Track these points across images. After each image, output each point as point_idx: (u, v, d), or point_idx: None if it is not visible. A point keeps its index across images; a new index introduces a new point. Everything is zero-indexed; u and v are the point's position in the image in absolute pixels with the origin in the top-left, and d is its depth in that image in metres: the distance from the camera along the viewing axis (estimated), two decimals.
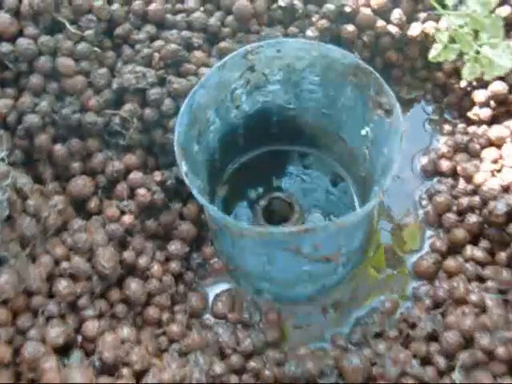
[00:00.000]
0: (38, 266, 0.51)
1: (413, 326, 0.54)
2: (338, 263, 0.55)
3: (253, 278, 0.58)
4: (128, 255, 0.54)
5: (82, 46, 0.56)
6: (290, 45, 0.54)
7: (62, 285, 0.51)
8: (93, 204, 0.57)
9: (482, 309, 0.52)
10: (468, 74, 0.51)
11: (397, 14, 0.63)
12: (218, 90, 0.54)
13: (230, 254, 0.57)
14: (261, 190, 0.63)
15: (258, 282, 0.57)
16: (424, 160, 0.63)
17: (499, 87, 0.59)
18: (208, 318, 0.57)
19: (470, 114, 0.63)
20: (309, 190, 0.63)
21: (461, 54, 0.54)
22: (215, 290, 0.59)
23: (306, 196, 0.62)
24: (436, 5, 0.54)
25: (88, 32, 0.56)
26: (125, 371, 0.49)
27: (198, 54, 0.59)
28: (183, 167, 0.48)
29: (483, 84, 0.61)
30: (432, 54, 0.52)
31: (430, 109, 0.67)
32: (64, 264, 0.52)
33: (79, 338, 0.51)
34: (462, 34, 0.49)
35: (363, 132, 0.55)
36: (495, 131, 0.59)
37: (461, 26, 0.50)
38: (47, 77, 0.56)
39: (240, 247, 0.54)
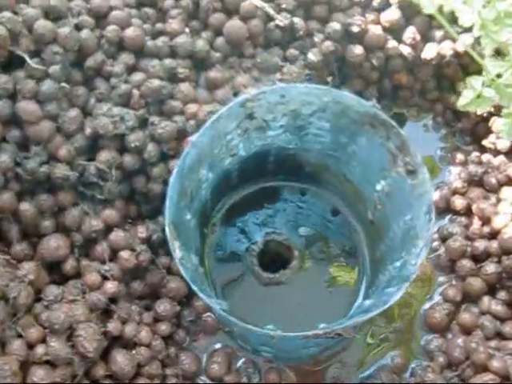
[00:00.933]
0: (8, 353, 0.44)
1: None
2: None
3: (251, 343, 0.52)
4: (113, 327, 0.48)
5: (48, 86, 0.47)
6: (296, 90, 0.46)
7: (39, 375, 0.44)
8: (69, 266, 0.49)
9: (505, 378, 0.48)
10: (507, 134, 0.44)
11: (410, 32, 0.55)
12: (211, 144, 0.47)
13: (226, 321, 0.51)
14: (254, 230, 0.56)
15: (256, 346, 0.52)
16: (435, 196, 0.57)
17: None
18: (203, 380, 0.52)
19: (485, 143, 0.57)
20: (307, 227, 0.56)
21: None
22: (209, 348, 0.53)
23: (304, 234, 0.56)
24: (451, 31, 0.47)
25: (53, 67, 0.47)
26: None
27: (184, 87, 0.50)
28: (178, 252, 0.41)
29: None
30: (461, 103, 0.45)
31: (440, 133, 0.60)
32: (40, 349, 0.45)
33: None
34: (502, 86, 0.42)
35: (378, 187, 0.48)
36: None
37: (498, 75, 0.43)
38: (6, 124, 0.47)
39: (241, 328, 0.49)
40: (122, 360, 0.48)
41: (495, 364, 0.48)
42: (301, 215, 0.56)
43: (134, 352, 0.49)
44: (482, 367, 0.49)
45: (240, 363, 0.52)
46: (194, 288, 0.40)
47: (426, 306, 0.54)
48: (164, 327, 0.51)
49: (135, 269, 0.50)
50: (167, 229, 0.41)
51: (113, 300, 0.49)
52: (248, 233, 0.56)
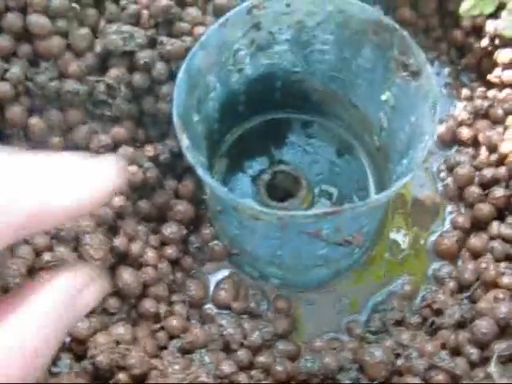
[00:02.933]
0: (15, 257, 0.44)
1: (437, 312, 0.49)
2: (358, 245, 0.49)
3: (260, 262, 0.52)
4: (120, 242, 0.48)
5: (58, 2, 0.48)
6: None
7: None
8: None
9: None
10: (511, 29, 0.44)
11: None
12: (219, 51, 0.47)
13: (236, 236, 0.51)
14: (263, 162, 0.56)
15: (265, 267, 0.52)
16: (441, 128, 0.57)
17: None
18: (210, 307, 0.51)
19: (490, 77, 0.57)
20: (314, 161, 0.56)
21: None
22: (216, 276, 0.53)
23: (312, 168, 0.56)
24: None
25: None
26: (121, 376, 0.43)
27: (192, 11, 0.51)
28: (184, 141, 0.41)
29: (507, 42, 0.55)
30: (464, 7, 0.45)
31: (445, 71, 0.60)
32: (46, 256, 0.45)
33: (67, 340, 0.45)
34: None
35: (383, 97, 0.48)
36: None
37: None
38: (17, 38, 0.48)
39: (249, 230, 0.48)
40: (128, 277, 0.47)
41: (505, 280, 0.47)
42: (308, 151, 0.57)
43: (140, 272, 0.49)
44: (492, 285, 0.48)
45: (248, 290, 0.52)
46: (199, 171, 0.40)
47: (436, 235, 0.54)
48: (171, 251, 0.51)
49: (142, 187, 0.50)
50: (175, 120, 0.42)
51: (119, 217, 0.49)
52: (255, 164, 0.56)
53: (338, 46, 0.49)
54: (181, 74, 0.44)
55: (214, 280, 0.53)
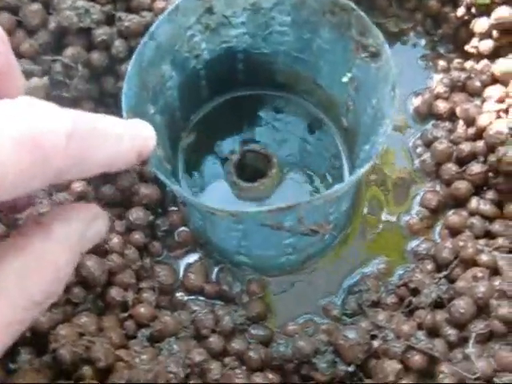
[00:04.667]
0: None
1: (414, 291, 0.48)
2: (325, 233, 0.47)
3: (227, 252, 0.50)
4: None
5: None
6: None
7: None
8: None
9: (494, 271, 0.46)
10: None
11: None
12: (171, 39, 0.45)
13: (200, 227, 0.49)
14: (231, 142, 0.54)
15: (233, 256, 0.50)
16: (417, 101, 0.55)
17: (505, 13, 0.51)
18: (180, 294, 0.50)
19: (467, 48, 0.55)
20: (285, 138, 0.54)
21: None
22: (185, 261, 0.51)
23: (283, 145, 0.54)
24: None
25: None
26: (86, 370, 0.41)
27: None
28: None
29: (484, 11, 0.53)
30: None
31: (421, 43, 0.58)
32: None
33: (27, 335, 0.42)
34: None
35: (345, 79, 0.46)
36: (501, 66, 0.51)
37: None
38: None
39: (211, 222, 0.46)
40: (91, 264, 0.45)
41: (484, 258, 0.46)
42: (278, 128, 0.54)
43: (105, 259, 0.47)
44: (471, 263, 0.47)
45: (218, 273, 0.50)
46: (151, 167, 0.38)
47: (411, 213, 0.52)
48: (137, 236, 0.49)
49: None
50: (124, 115, 0.39)
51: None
52: (224, 145, 0.54)
53: (296, 26, 0.47)
54: (130, 68, 0.41)
55: (182, 266, 0.51)
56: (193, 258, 0.51)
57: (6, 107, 0.25)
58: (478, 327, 0.43)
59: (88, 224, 0.30)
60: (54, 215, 0.29)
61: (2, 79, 0.29)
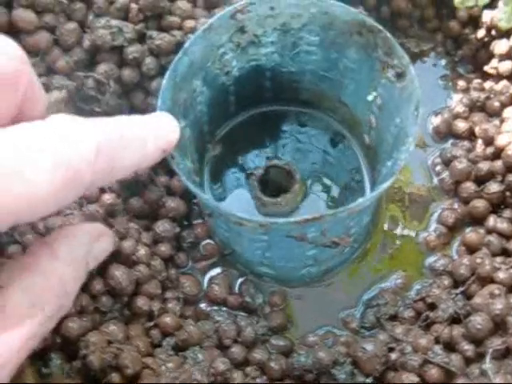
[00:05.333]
0: None
1: (431, 306, 0.49)
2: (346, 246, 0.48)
3: (251, 263, 0.51)
4: None
5: None
6: (285, 1, 0.46)
7: None
8: None
9: (511, 288, 0.47)
10: (506, 21, 0.43)
11: None
12: (204, 56, 0.47)
13: (225, 238, 0.51)
14: (256, 157, 0.56)
15: (256, 267, 0.51)
16: (437, 120, 0.56)
17: None
18: (204, 305, 0.51)
19: (486, 68, 0.56)
20: (308, 152, 0.56)
21: None
22: (209, 274, 0.52)
23: (306, 159, 0.55)
24: None
25: None
26: (114, 376, 0.43)
27: (182, 4, 0.50)
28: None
29: (504, 33, 0.54)
30: None
31: (441, 63, 0.60)
32: None
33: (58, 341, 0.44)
34: None
35: (369, 98, 0.48)
36: None
37: None
38: (3, 33, 0.47)
39: (236, 233, 0.48)
40: (119, 274, 0.46)
41: (501, 275, 0.47)
42: (302, 142, 0.56)
43: (132, 270, 0.48)
44: (488, 280, 0.48)
45: (241, 285, 0.51)
46: (183, 179, 0.40)
47: (429, 230, 0.53)
48: (164, 248, 0.50)
49: (133, 184, 0.50)
50: None
51: (110, 215, 0.49)
52: (248, 160, 0.55)
53: (324, 47, 0.49)
54: (165, 82, 0.43)
55: (207, 278, 0.52)
56: (217, 270, 0.52)
57: (40, 130, 0.27)
58: (495, 343, 0.44)
59: (93, 242, 0.33)
60: (59, 235, 0.31)
61: (26, 97, 0.31)
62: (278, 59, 0.51)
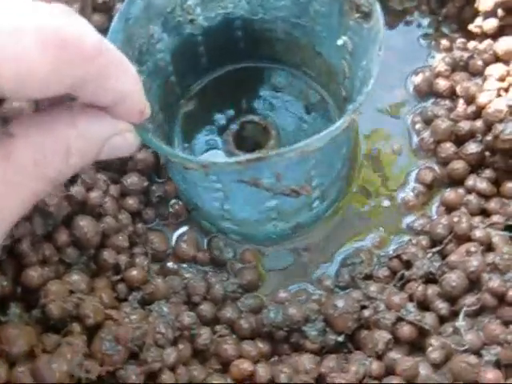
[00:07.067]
0: None
1: (407, 264, 0.47)
2: (312, 197, 0.47)
3: (213, 217, 0.50)
4: (76, 190, 0.45)
5: None
6: None
7: None
8: None
9: (488, 246, 0.46)
10: None
11: None
12: (162, 0, 0.45)
13: (185, 191, 0.49)
14: (230, 113, 0.54)
15: (219, 222, 0.50)
16: (418, 79, 0.55)
17: None
18: (171, 264, 0.49)
19: (471, 27, 0.54)
20: (283, 111, 0.54)
21: None
22: (177, 232, 0.51)
23: (281, 118, 0.53)
24: None
25: None
26: (75, 326, 0.41)
27: None
28: None
29: None
30: None
31: (424, 22, 0.58)
32: None
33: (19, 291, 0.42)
34: None
35: (339, 42, 0.46)
36: (503, 44, 0.51)
37: None
38: None
39: (191, 183, 0.46)
40: (85, 224, 0.45)
41: (477, 234, 0.46)
42: (278, 101, 0.54)
43: (99, 222, 0.47)
44: (465, 238, 0.46)
45: (209, 241, 0.50)
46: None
47: (405, 189, 0.52)
48: (131, 201, 0.49)
49: None
50: None
51: None
52: (223, 116, 0.54)
53: None
54: (115, 23, 0.41)
55: (175, 236, 0.51)
56: (184, 228, 0.51)
57: (36, 6, 0.27)
58: (469, 301, 0.43)
59: (115, 132, 0.31)
60: (85, 109, 0.30)
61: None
62: (247, 7, 0.49)
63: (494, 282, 0.42)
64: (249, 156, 0.37)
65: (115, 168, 0.49)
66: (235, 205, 0.46)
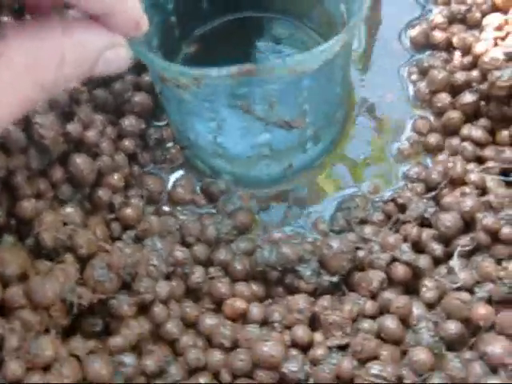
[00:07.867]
0: None
1: (402, 208, 0.47)
2: (305, 135, 0.47)
3: (206, 154, 0.50)
4: (73, 128, 0.45)
5: None
6: None
7: None
8: None
9: (483, 191, 0.46)
10: None
11: None
12: None
13: (178, 123, 0.49)
14: (229, 63, 0.53)
15: (212, 160, 0.50)
16: (414, 31, 0.55)
17: None
18: (166, 207, 0.49)
19: None
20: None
21: None
22: (173, 176, 0.51)
23: None
24: None
25: None
26: (68, 257, 0.41)
27: None
28: None
29: None
30: None
31: None
32: None
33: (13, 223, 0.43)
34: None
35: None
36: None
37: None
38: None
39: (185, 112, 0.46)
40: (81, 162, 0.45)
41: (472, 177, 0.46)
42: (279, 50, 0.54)
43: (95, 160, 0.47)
44: (459, 182, 0.46)
45: (204, 185, 0.50)
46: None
47: (402, 139, 0.52)
48: (128, 143, 0.49)
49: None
50: None
51: (75, 102, 0.47)
52: (223, 62, 0.54)
53: None
54: None
55: (170, 180, 0.51)
56: (180, 172, 0.51)
57: None
58: (464, 241, 0.43)
59: (110, 44, 0.31)
60: (80, 21, 0.30)
61: None
62: None
63: (488, 220, 0.42)
64: (240, 66, 0.37)
65: (113, 110, 0.49)
66: (228, 137, 0.46)
